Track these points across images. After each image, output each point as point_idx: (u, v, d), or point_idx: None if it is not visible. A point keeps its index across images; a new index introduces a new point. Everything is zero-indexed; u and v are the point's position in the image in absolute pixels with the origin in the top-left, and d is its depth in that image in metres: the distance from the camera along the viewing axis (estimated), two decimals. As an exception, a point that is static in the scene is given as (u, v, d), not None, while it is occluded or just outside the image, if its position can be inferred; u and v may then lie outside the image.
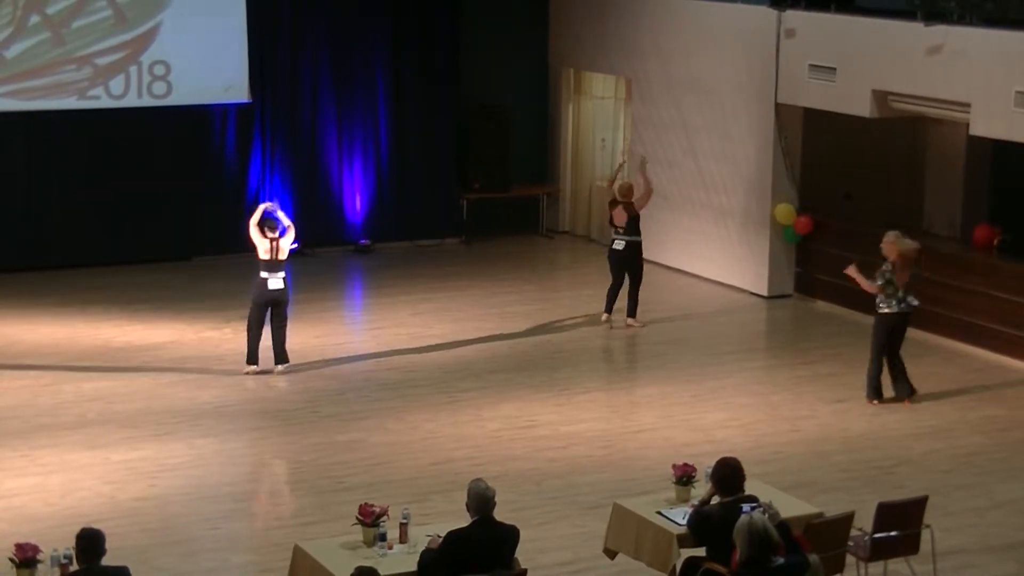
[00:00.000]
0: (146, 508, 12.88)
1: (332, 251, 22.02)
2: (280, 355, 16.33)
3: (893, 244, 15.40)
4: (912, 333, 18.18)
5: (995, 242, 18.23)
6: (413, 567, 9.80)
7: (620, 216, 18.10)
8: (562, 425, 15.03)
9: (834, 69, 18.47)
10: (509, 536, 9.82)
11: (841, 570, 10.76)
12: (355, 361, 17.02)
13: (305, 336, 17.83)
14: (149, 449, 14.18)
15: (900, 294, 15.42)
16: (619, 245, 18.13)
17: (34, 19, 19.90)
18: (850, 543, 10.87)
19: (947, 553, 11.79)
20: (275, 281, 16.05)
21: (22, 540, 9.96)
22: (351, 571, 9.19)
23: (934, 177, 20.41)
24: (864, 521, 11.01)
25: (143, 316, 18.42)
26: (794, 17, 19.11)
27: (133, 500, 12.99)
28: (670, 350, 17.57)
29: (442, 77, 22.42)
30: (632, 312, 18.27)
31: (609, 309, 18.24)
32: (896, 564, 11.28)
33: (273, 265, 16.04)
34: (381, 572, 9.21)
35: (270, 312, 16.17)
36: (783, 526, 9.37)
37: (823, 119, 19.35)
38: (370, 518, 10.27)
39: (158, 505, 13.01)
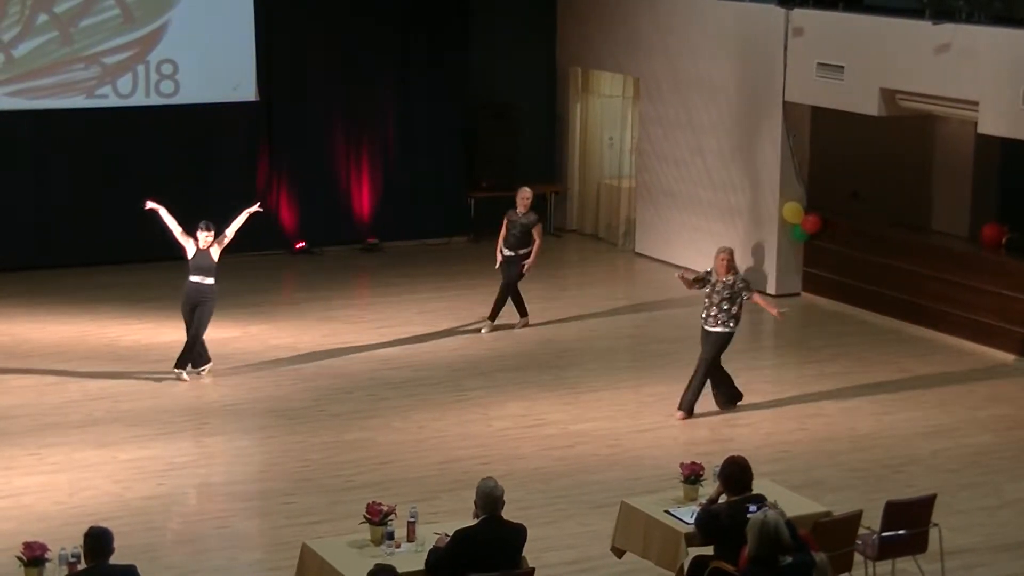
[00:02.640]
0: (154, 507, 12.89)
1: (339, 250, 22.03)
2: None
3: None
4: (920, 332, 18.29)
5: (1003, 241, 18.21)
6: (421, 566, 9.79)
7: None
8: (569, 424, 15.03)
9: (842, 67, 18.45)
10: (516, 535, 9.81)
11: (849, 569, 10.76)
12: (362, 360, 17.02)
13: (312, 335, 17.86)
14: (157, 448, 14.20)
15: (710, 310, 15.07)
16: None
17: (42, 18, 19.93)
18: (858, 542, 10.86)
19: (955, 552, 11.79)
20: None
21: (30, 539, 9.97)
22: (360, 569, 9.19)
23: (942, 176, 20.38)
24: (872, 520, 11.01)
25: (151, 315, 18.42)
26: (802, 16, 19.09)
27: (141, 499, 13.00)
28: (677, 349, 17.54)
29: (450, 76, 22.42)
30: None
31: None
32: (904, 563, 11.27)
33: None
34: (389, 571, 9.21)
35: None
36: (788, 525, 9.36)
37: (831, 118, 19.33)
38: (378, 517, 10.28)
39: (166, 504, 13.02)
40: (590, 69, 23.13)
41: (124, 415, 15.06)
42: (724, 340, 15.07)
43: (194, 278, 15.92)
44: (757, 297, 15.27)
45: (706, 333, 15.09)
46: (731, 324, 15.00)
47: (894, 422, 15.25)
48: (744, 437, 14.63)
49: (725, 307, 14.92)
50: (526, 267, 17.96)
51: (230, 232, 16.10)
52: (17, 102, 19.98)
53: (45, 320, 18.30)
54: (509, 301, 18.15)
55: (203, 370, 16.17)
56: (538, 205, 23.16)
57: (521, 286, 18.29)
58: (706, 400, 15.58)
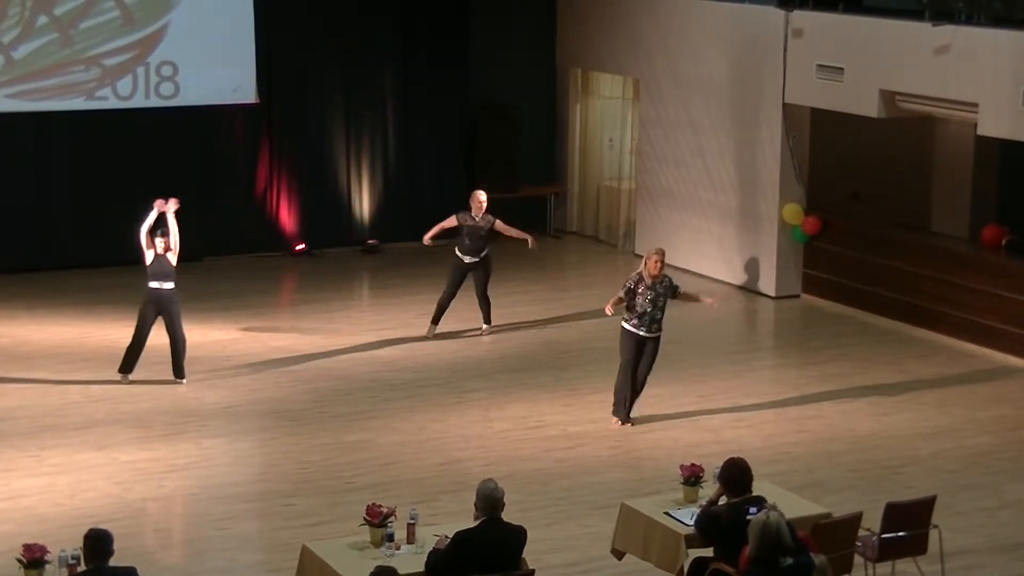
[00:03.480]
0: (154, 508, 12.91)
1: (340, 251, 22.02)
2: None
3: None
4: (920, 333, 18.29)
5: (1003, 242, 18.23)
6: (421, 568, 9.80)
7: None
8: (570, 425, 15.03)
9: (841, 69, 18.46)
10: (517, 536, 9.81)
11: (849, 570, 10.75)
12: (363, 361, 17.02)
13: (313, 337, 17.86)
14: (157, 449, 14.20)
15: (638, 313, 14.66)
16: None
17: (42, 20, 19.92)
18: (858, 543, 10.86)
19: (955, 553, 11.79)
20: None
21: (30, 540, 9.97)
22: (360, 571, 9.19)
23: (942, 177, 20.40)
24: (872, 521, 11.01)
25: (151, 316, 18.43)
26: (801, 17, 19.10)
27: (141, 500, 13.01)
28: (678, 350, 17.52)
29: (450, 77, 22.42)
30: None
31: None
32: (904, 564, 11.28)
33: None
34: (389, 572, 9.21)
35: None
36: (788, 526, 9.37)
37: (831, 119, 19.33)
38: (378, 518, 10.28)
39: (166, 505, 13.03)
40: (590, 70, 23.14)
41: (125, 417, 15.07)
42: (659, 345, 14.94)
43: (154, 283, 15.77)
44: (687, 289, 15.32)
45: (649, 340, 14.70)
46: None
47: (894, 423, 15.25)
48: (744, 438, 14.63)
49: (663, 308, 14.75)
50: (532, 242, 17.87)
51: (174, 238, 15.86)
52: (17, 104, 19.97)
53: (46, 322, 18.31)
54: (479, 304, 17.93)
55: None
56: (538, 206, 23.34)
57: (525, 285, 18.26)
58: (706, 400, 15.58)
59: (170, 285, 15.85)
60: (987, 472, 13.96)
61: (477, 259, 17.70)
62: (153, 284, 15.82)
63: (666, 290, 14.71)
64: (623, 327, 14.84)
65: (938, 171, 20.51)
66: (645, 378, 15.02)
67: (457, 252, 17.77)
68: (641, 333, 14.74)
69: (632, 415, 15.12)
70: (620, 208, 22.70)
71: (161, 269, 15.81)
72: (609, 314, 15.07)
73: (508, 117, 22.86)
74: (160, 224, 15.87)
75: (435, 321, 17.93)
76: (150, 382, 16.03)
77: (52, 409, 15.26)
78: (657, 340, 14.85)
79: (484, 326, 18.03)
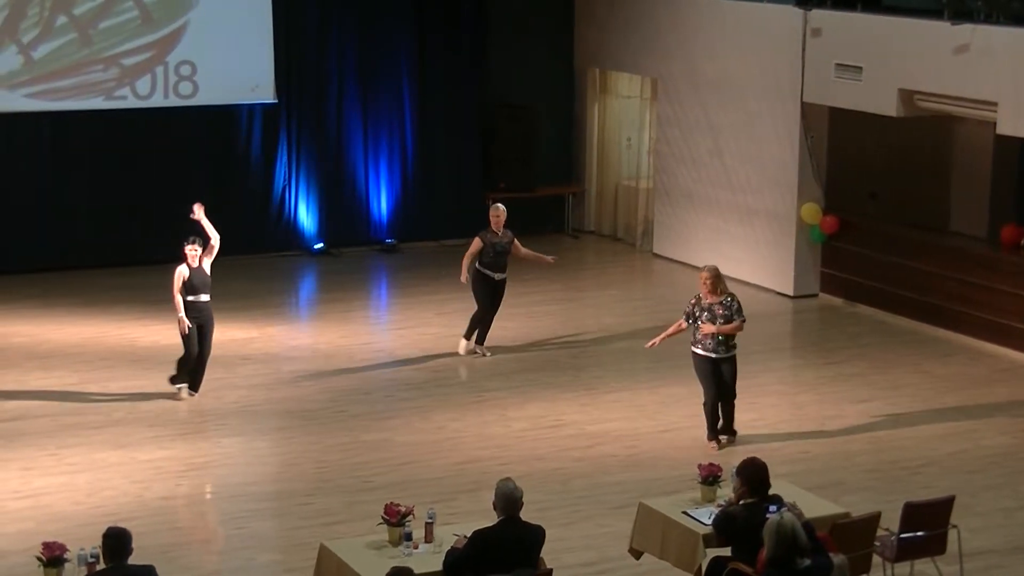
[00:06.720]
0: (172, 507, 12.93)
1: (357, 251, 22.05)
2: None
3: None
4: (939, 332, 18.25)
5: (1022, 242, 18.17)
6: (439, 567, 9.80)
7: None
8: (588, 425, 15.03)
9: (860, 68, 18.43)
10: (535, 536, 9.82)
11: (868, 570, 10.74)
12: (381, 361, 17.03)
13: (331, 336, 17.88)
14: (175, 448, 14.23)
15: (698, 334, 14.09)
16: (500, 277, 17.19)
17: (61, 20, 19.98)
18: (876, 543, 10.86)
19: (974, 554, 11.76)
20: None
21: (49, 539, 10.01)
22: (378, 570, 9.19)
23: (960, 176, 20.35)
24: (891, 521, 10.99)
25: (169, 315, 18.38)
26: (820, 16, 19.07)
27: (160, 499, 13.03)
28: (696, 350, 17.54)
29: (468, 77, 22.45)
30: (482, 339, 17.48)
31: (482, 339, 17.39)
32: (923, 564, 11.26)
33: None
34: (407, 572, 9.22)
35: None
36: (807, 526, 9.36)
37: (849, 118, 19.31)
38: (396, 517, 10.29)
39: (184, 504, 13.06)
40: (608, 70, 23.13)
41: (143, 416, 15.10)
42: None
43: (191, 296, 15.21)
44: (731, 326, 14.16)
45: (723, 360, 14.06)
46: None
47: (912, 423, 15.21)
48: (762, 438, 14.61)
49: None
50: (551, 259, 17.33)
51: (214, 239, 15.38)
52: (36, 103, 20.03)
53: (64, 321, 18.35)
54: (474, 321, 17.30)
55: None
56: (556, 206, 23.34)
57: (543, 284, 18.19)
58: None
59: (206, 297, 15.31)
60: (1006, 472, 13.93)
61: (505, 275, 17.12)
62: (190, 297, 15.23)
63: (727, 311, 13.96)
64: (693, 351, 14.19)
65: (957, 170, 20.47)
66: (731, 395, 14.27)
67: (484, 269, 17.01)
68: (713, 355, 14.12)
69: (648, 415, 15.10)
70: (638, 207, 22.69)
71: (205, 280, 15.31)
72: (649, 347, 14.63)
73: (526, 117, 22.87)
74: (194, 232, 15.40)
75: (468, 337, 17.21)
76: (170, 371, 16.05)
77: (71, 408, 15.30)
78: (732, 360, 14.18)
79: (479, 347, 17.26)
